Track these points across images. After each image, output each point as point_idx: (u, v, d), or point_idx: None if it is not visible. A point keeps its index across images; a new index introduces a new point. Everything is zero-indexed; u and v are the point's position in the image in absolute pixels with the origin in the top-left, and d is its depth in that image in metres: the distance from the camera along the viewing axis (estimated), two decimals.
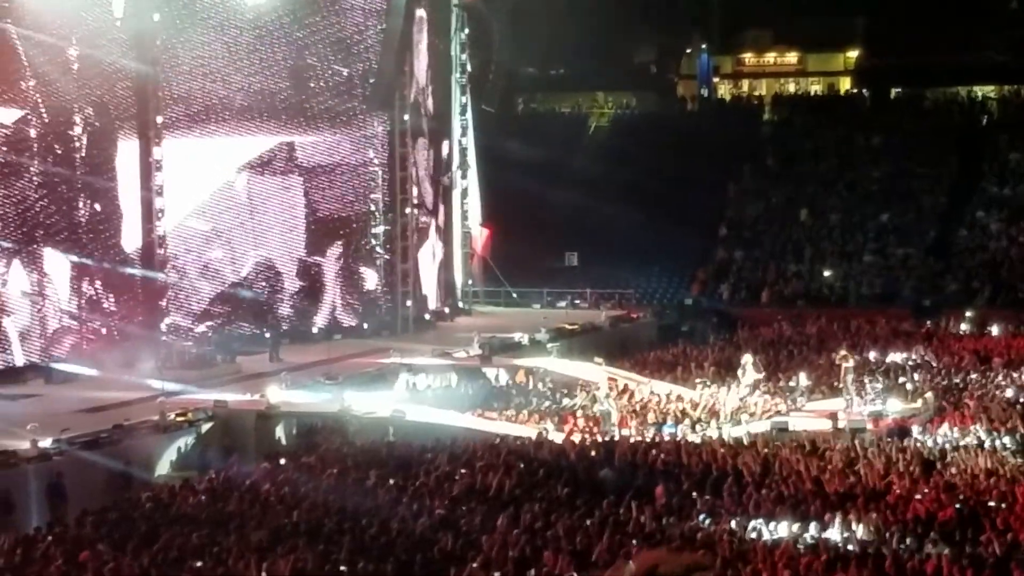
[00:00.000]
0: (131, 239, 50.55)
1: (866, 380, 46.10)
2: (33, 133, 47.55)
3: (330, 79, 56.44)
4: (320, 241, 56.99)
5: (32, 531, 30.63)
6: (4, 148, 46.61)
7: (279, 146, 55.85)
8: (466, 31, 64.34)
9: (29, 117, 47.17)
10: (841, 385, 45.57)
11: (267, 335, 52.98)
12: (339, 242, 57.43)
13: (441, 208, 63.18)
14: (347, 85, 56.89)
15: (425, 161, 61.32)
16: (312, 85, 56.05)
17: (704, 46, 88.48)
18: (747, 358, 47.64)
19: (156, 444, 39.57)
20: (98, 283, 49.60)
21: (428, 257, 61.67)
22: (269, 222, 55.93)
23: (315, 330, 56.04)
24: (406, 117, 58.42)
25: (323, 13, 56.22)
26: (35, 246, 47.44)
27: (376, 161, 57.82)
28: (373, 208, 57.90)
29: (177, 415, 41.17)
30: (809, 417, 43.24)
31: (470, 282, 65.82)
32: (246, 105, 54.25)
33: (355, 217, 57.83)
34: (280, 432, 41.90)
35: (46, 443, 37.11)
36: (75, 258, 48.62)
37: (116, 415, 40.86)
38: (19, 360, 47.00)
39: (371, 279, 58.24)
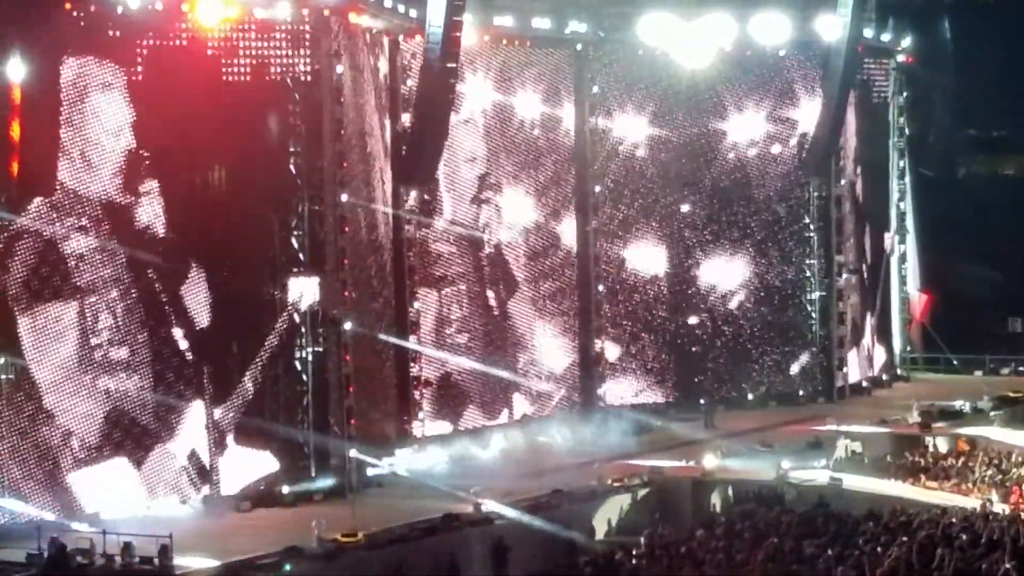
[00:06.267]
0: None
1: None
2: None
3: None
4: None
5: None
6: None
7: None
8: (904, 94, 63.24)
9: None
10: None
11: (701, 402, 53.15)
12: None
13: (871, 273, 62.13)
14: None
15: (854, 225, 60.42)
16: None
17: None
18: None
19: (594, 509, 40.11)
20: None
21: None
22: None
23: (750, 397, 55.84)
24: (841, 182, 57.85)
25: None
26: None
27: (812, 227, 57.33)
28: (808, 274, 57.43)
29: (614, 481, 41.69)
30: None
31: (908, 348, 64.45)
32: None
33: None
34: (716, 499, 41.91)
35: (488, 507, 38.11)
36: None
37: (554, 480, 41.64)
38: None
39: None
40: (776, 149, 56.61)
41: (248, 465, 40.54)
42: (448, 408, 48.31)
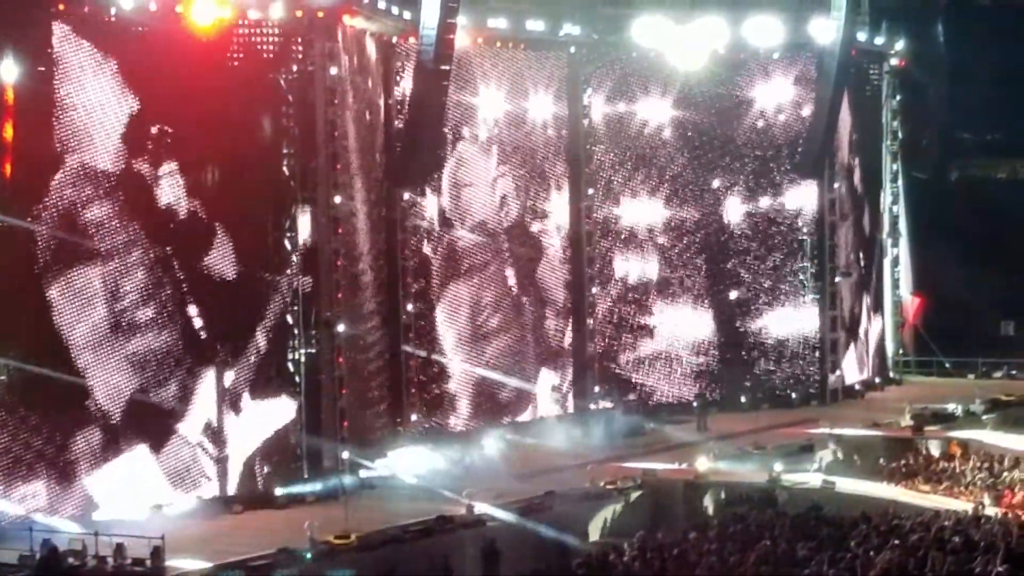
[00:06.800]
0: None
1: None
2: None
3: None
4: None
5: None
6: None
7: None
8: (897, 98, 63.24)
9: None
10: None
11: (694, 404, 53.21)
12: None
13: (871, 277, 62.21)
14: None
15: (853, 229, 60.45)
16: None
17: None
18: None
19: (587, 511, 40.11)
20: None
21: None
22: None
23: (743, 399, 55.87)
24: (836, 184, 57.87)
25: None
26: None
27: (805, 230, 57.31)
28: (802, 277, 57.42)
29: (607, 483, 41.69)
30: None
31: (901, 351, 64.49)
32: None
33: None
34: (708, 501, 41.91)
35: (481, 509, 38.09)
36: None
37: (547, 482, 41.62)
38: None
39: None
40: (772, 149, 56.70)
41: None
42: (442, 410, 48.28)
